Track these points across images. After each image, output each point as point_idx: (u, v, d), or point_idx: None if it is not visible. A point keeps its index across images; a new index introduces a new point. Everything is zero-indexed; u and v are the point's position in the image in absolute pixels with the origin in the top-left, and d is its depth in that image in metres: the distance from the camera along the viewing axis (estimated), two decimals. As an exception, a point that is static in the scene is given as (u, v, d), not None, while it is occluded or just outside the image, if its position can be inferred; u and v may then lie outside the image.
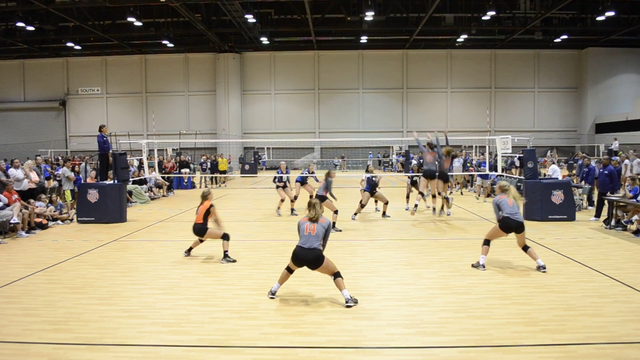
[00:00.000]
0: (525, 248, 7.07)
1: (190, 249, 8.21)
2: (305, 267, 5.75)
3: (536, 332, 4.79)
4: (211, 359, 4.30)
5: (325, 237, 5.75)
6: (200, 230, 7.83)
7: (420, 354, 4.38)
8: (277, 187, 13.08)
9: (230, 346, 4.55)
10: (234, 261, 7.67)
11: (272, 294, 5.91)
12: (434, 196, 12.19)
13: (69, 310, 5.54)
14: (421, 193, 11.75)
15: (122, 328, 4.97)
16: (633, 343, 4.53)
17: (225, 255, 7.78)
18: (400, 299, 5.85)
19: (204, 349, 4.49)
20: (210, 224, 7.84)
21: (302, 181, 13.36)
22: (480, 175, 15.81)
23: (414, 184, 13.96)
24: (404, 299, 5.83)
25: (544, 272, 6.84)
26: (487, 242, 7.27)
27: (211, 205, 7.86)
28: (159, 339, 4.71)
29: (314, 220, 5.72)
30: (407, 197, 14.15)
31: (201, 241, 8.15)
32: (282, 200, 13.12)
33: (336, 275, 5.67)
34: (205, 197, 7.99)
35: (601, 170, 11.72)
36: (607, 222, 10.58)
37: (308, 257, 5.62)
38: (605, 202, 11.06)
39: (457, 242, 9.32)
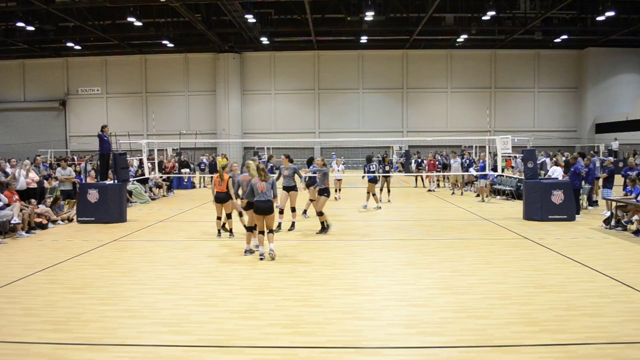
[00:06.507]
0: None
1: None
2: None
3: (536, 332, 4.78)
4: (211, 359, 4.30)
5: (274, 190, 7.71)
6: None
7: (420, 354, 4.38)
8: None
9: (230, 346, 4.54)
10: None
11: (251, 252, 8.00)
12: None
13: (69, 310, 5.54)
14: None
15: (122, 328, 4.97)
16: (633, 343, 4.53)
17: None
18: (400, 299, 5.85)
19: (204, 349, 4.49)
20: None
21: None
22: (481, 177, 15.81)
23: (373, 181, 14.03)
24: (404, 299, 5.83)
25: None
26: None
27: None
28: (159, 339, 4.71)
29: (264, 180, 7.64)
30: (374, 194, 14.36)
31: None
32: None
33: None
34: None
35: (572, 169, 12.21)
36: (607, 222, 10.59)
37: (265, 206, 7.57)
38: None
39: (457, 242, 9.32)
